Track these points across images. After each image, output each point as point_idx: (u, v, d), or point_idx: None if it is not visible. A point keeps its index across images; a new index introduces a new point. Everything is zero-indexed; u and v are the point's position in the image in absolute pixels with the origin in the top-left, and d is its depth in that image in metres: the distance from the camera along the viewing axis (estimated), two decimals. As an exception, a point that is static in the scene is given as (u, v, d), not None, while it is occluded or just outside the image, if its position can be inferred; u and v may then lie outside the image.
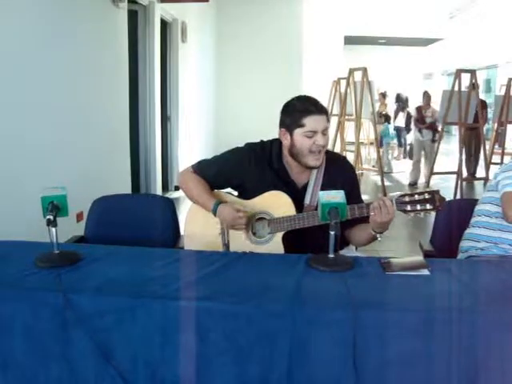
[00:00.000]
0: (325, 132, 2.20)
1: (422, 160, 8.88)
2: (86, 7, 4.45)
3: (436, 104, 8.60)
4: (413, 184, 8.71)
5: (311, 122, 2.16)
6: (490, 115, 10.87)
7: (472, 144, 8.73)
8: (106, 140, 4.97)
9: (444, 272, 1.89)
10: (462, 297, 1.68)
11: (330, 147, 2.37)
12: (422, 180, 8.71)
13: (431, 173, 7.72)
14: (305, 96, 2.27)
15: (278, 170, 2.30)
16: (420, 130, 8.76)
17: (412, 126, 9.62)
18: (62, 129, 4.07)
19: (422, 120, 8.67)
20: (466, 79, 7.03)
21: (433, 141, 8.57)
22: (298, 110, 2.19)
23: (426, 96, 8.87)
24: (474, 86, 7.02)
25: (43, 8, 3.77)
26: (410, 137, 10.93)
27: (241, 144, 2.41)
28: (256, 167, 2.31)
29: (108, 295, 1.70)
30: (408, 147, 11.76)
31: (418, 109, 8.86)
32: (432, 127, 8.63)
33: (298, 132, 2.18)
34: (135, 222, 2.72)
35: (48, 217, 1.85)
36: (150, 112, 6.54)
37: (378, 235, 2.13)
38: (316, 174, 2.30)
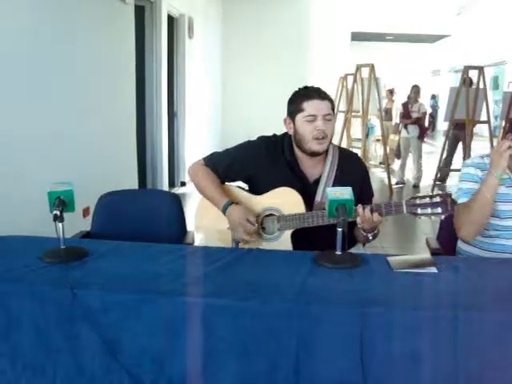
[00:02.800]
0: (326, 118, 2.18)
1: (410, 158, 8.66)
2: (93, 3, 4.45)
3: (443, 101, 8.50)
4: (400, 183, 8.50)
5: (311, 106, 2.17)
6: (497, 112, 10.82)
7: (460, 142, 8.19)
8: (113, 136, 4.98)
9: (452, 270, 1.88)
10: (470, 295, 1.68)
11: (336, 143, 2.37)
12: (424, 180, 8.56)
13: (440, 169, 7.61)
14: (309, 86, 2.29)
15: (290, 163, 2.29)
16: (406, 126, 8.56)
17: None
18: (69, 124, 4.07)
19: (408, 115, 8.47)
20: (473, 76, 6.99)
21: (419, 137, 8.39)
22: (300, 95, 2.22)
23: (415, 90, 8.66)
24: (465, 81, 6.92)
25: (51, 4, 3.77)
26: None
27: (246, 139, 2.41)
28: (268, 160, 2.30)
29: (115, 291, 1.70)
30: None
31: (405, 104, 8.68)
32: (418, 123, 8.41)
33: (299, 117, 2.20)
34: (142, 217, 2.72)
35: (55, 212, 1.86)
36: (157, 108, 6.54)
37: (369, 235, 2.13)
38: (328, 170, 2.29)
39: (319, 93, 2.20)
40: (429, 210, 1.96)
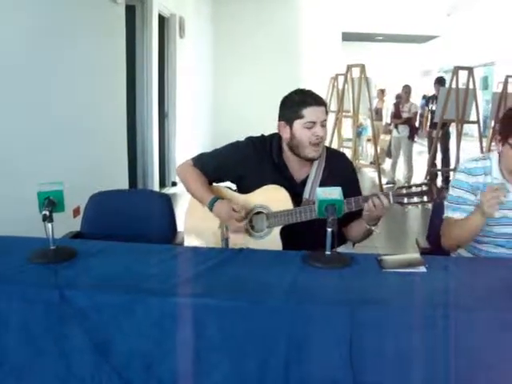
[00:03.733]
0: (323, 123, 2.22)
1: (401, 158, 8.66)
2: (83, 2, 4.43)
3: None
4: (391, 183, 8.49)
5: (310, 113, 2.18)
6: (487, 113, 10.86)
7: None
8: (103, 136, 4.96)
9: (441, 269, 1.89)
10: (459, 294, 1.69)
11: (327, 143, 2.38)
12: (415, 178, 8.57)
13: (429, 166, 7.61)
14: (302, 89, 2.29)
15: (277, 165, 2.31)
16: (396, 126, 8.58)
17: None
18: (59, 124, 4.05)
19: (399, 115, 8.50)
20: (463, 76, 7.02)
21: (409, 137, 8.40)
22: (297, 102, 2.22)
23: (406, 90, 8.67)
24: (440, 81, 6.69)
25: (41, 4, 3.76)
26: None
27: (238, 139, 2.41)
28: (256, 161, 2.32)
29: (104, 291, 1.69)
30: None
31: (396, 104, 8.71)
32: (409, 123, 8.42)
33: (297, 123, 2.20)
34: (132, 217, 2.71)
35: (44, 212, 1.85)
36: (148, 108, 6.53)
37: (373, 228, 2.16)
38: (316, 169, 2.31)
39: (315, 99, 2.22)
40: (415, 199, 2.00)
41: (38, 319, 1.68)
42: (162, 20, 7.08)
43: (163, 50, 7.26)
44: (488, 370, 1.57)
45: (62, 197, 1.93)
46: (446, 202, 2.26)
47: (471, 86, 6.94)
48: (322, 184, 2.23)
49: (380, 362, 1.59)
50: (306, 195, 2.29)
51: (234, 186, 2.43)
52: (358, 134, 9.35)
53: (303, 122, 2.19)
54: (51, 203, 1.88)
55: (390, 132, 9.43)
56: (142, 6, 6.29)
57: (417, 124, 9.05)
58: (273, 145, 2.34)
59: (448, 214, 2.26)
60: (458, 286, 1.77)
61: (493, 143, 8.27)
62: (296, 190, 2.27)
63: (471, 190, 2.22)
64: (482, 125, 7.30)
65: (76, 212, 3.81)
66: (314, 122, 2.19)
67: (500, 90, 7.91)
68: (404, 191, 2.01)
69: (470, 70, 6.93)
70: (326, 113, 2.25)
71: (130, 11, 6.00)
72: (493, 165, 2.22)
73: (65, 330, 1.67)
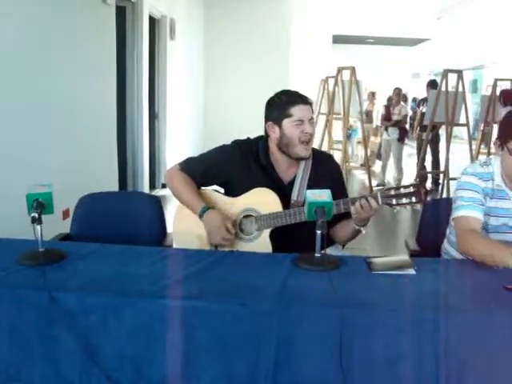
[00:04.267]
0: (311, 121, 2.27)
1: (391, 161, 8.70)
2: (73, 3, 4.41)
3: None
4: (381, 185, 8.44)
5: (298, 111, 2.23)
6: (476, 115, 10.94)
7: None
8: (93, 137, 4.94)
9: (430, 272, 1.90)
10: (447, 296, 1.70)
11: (317, 145, 2.40)
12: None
13: (419, 169, 7.65)
14: (287, 90, 2.36)
15: (264, 167, 2.32)
16: (386, 129, 8.62)
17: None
18: (49, 125, 4.04)
19: (389, 118, 8.54)
20: (453, 79, 7.07)
21: (399, 140, 8.44)
22: (285, 101, 2.26)
23: (397, 92, 8.72)
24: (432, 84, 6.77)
25: (30, 4, 3.74)
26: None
27: (228, 141, 2.42)
28: (243, 164, 2.32)
29: (93, 293, 1.69)
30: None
31: (387, 106, 8.76)
32: (399, 126, 8.45)
33: (286, 122, 2.24)
34: (122, 219, 2.70)
35: (33, 214, 1.84)
36: (138, 109, 6.51)
37: (361, 228, 2.16)
38: (303, 170, 2.33)
39: (302, 98, 2.27)
40: (403, 200, 2.01)
41: (27, 321, 1.67)
42: (152, 21, 7.07)
43: (154, 51, 7.25)
44: (476, 371, 1.58)
45: (51, 199, 1.92)
46: (457, 203, 2.17)
47: (461, 89, 6.98)
48: (310, 185, 2.25)
49: (370, 363, 1.60)
50: (293, 196, 2.30)
51: (221, 190, 2.43)
52: (348, 136, 9.38)
53: (292, 120, 2.23)
54: (40, 205, 1.87)
55: (380, 134, 9.47)
56: (132, 7, 6.28)
57: (407, 126, 9.10)
58: (259, 147, 2.35)
59: (463, 213, 2.13)
60: (447, 288, 1.79)
61: (482, 146, 8.35)
62: (284, 192, 2.28)
63: (483, 194, 2.16)
64: (471, 127, 7.35)
65: (66, 214, 3.80)
66: (302, 120, 2.23)
67: (489, 92, 7.97)
68: (392, 192, 2.02)
69: (460, 72, 6.98)
70: (312, 111, 2.31)
71: (121, 12, 5.99)
72: (495, 170, 2.18)
73: (53, 332, 1.67)
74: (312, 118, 2.29)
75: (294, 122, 2.23)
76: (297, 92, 2.31)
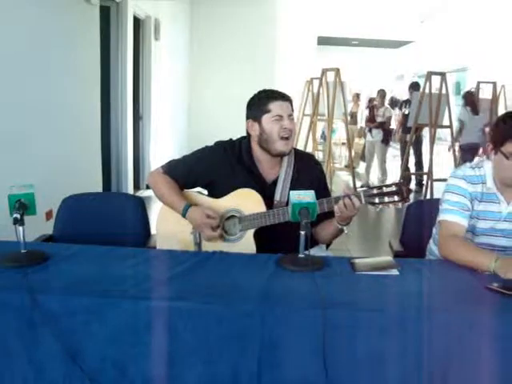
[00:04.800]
0: (291, 117, 2.28)
1: (375, 162, 8.75)
2: (57, 3, 4.38)
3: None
4: (365, 186, 8.59)
5: (277, 106, 2.25)
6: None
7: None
8: (76, 138, 4.91)
9: (413, 272, 1.91)
10: (431, 296, 1.71)
11: (301, 147, 2.41)
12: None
13: (403, 170, 7.70)
14: (267, 88, 2.37)
15: (247, 167, 2.33)
16: (370, 130, 8.68)
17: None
18: (31, 126, 4.00)
19: (373, 119, 8.60)
20: (436, 81, 7.12)
21: (383, 141, 8.50)
22: (263, 97, 2.29)
23: (381, 94, 8.78)
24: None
25: (14, 3, 3.70)
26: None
27: (213, 143, 2.42)
28: (226, 165, 2.32)
29: (76, 295, 1.67)
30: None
31: (371, 108, 8.81)
32: (382, 127, 8.51)
33: (265, 118, 2.26)
34: (105, 220, 2.69)
35: (15, 215, 1.82)
36: (122, 110, 6.48)
37: (344, 228, 2.18)
38: (285, 170, 2.34)
39: (281, 94, 2.30)
40: (386, 199, 2.03)
41: (9, 324, 1.65)
42: (137, 22, 7.04)
43: (138, 52, 7.21)
44: (459, 370, 1.59)
45: (34, 200, 1.90)
46: (443, 206, 2.19)
47: (444, 91, 7.04)
48: (292, 184, 2.27)
49: (353, 364, 1.61)
50: (277, 197, 2.30)
51: (205, 192, 2.43)
52: (324, 137, 9.45)
53: (270, 115, 2.25)
54: (22, 206, 1.85)
55: (364, 136, 9.51)
56: (116, 7, 6.25)
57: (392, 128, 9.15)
58: (242, 147, 2.36)
59: (447, 217, 2.15)
60: (430, 288, 1.80)
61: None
62: (267, 192, 2.29)
63: (470, 199, 2.16)
64: (454, 129, 7.42)
65: (49, 215, 3.77)
66: (281, 116, 2.24)
67: (472, 95, 8.06)
68: (375, 191, 2.04)
69: (443, 75, 7.04)
70: (292, 109, 2.32)
71: (105, 12, 5.95)
72: (486, 173, 2.17)
73: (36, 334, 1.65)
74: (291, 115, 2.30)
75: (272, 118, 2.24)
76: (276, 90, 2.33)
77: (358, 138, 10.67)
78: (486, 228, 2.18)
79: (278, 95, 2.28)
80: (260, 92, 2.34)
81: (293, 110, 2.33)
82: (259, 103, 2.28)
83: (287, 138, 2.26)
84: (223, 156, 2.34)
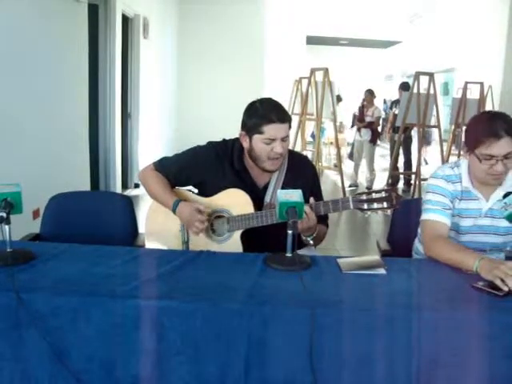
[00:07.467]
0: (284, 139, 2.19)
1: (363, 161, 8.75)
2: (44, 0, 4.35)
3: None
4: (353, 186, 8.63)
5: (271, 130, 2.15)
6: (447, 117, 11.08)
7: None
8: (64, 136, 4.88)
9: (400, 271, 1.92)
10: (418, 296, 1.72)
11: (290, 146, 2.39)
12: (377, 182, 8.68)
13: (391, 169, 7.73)
14: (269, 100, 2.25)
15: (238, 171, 2.31)
16: (359, 130, 8.69)
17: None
18: (18, 124, 3.98)
19: (362, 119, 8.60)
20: (424, 82, 7.16)
21: (371, 141, 8.52)
22: (260, 115, 2.17)
23: (369, 94, 8.75)
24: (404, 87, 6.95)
25: (2, 1, 3.67)
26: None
27: (201, 142, 2.41)
28: (217, 166, 2.31)
29: (63, 294, 1.66)
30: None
31: (360, 108, 8.80)
32: (371, 127, 8.52)
33: (256, 138, 2.19)
34: (93, 219, 2.68)
35: (1, 214, 1.81)
36: (110, 109, 6.46)
37: (308, 239, 2.16)
38: (277, 176, 2.32)
39: (279, 116, 2.16)
40: (375, 206, 2.00)
41: (-6, 323, 1.64)
42: (125, 20, 7.02)
43: (126, 50, 7.19)
44: (446, 369, 1.60)
45: (20, 198, 1.89)
46: (425, 206, 2.21)
47: (432, 91, 7.08)
48: (284, 187, 2.24)
49: (340, 363, 1.61)
50: (267, 199, 2.30)
51: (195, 190, 2.42)
52: (313, 137, 9.42)
53: (262, 137, 2.17)
54: (9, 205, 1.84)
55: (344, 131, 9.49)
56: (105, 5, 6.22)
57: (379, 128, 9.16)
58: (234, 150, 2.33)
59: (430, 217, 2.17)
60: (417, 287, 1.81)
61: (453, 147, 8.48)
62: (258, 195, 2.28)
63: (451, 198, 2.19)
64: (442, 129, 7.47)
65: (36, 214, 3.75)
66: (274, 139, 2.16)
67: (460, 95, 8.10)
68: (364, 197, 2.01)
69: (431, 75, 7.08)
70: (289, 127, 2.22)
71: (93, 10, 5.92)
72: (462, 172, 2.20)
73: (22, 334, 1.64)
74: (287, 137, 2.20)
75: (264, 140, 2.16)
76: (277, 107, 2.20)
77: (339, 133, 10.64)
78: (469, 226, 2.20)
79: (275, 117, 2.14)
80: (260, 103, 2.21)
81: (290, 128, 2.22)
82: (255, 118, 2.17)
83: (277, 159, 2.21)
84: (214, 157, 2.31)
